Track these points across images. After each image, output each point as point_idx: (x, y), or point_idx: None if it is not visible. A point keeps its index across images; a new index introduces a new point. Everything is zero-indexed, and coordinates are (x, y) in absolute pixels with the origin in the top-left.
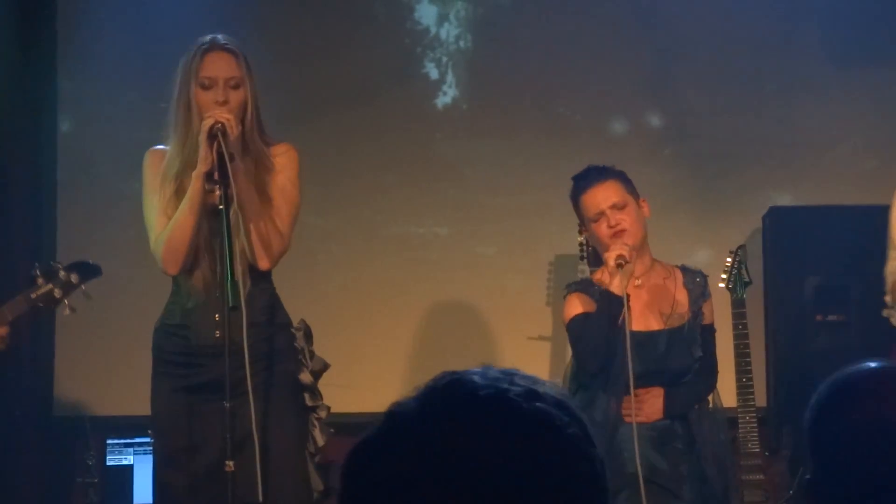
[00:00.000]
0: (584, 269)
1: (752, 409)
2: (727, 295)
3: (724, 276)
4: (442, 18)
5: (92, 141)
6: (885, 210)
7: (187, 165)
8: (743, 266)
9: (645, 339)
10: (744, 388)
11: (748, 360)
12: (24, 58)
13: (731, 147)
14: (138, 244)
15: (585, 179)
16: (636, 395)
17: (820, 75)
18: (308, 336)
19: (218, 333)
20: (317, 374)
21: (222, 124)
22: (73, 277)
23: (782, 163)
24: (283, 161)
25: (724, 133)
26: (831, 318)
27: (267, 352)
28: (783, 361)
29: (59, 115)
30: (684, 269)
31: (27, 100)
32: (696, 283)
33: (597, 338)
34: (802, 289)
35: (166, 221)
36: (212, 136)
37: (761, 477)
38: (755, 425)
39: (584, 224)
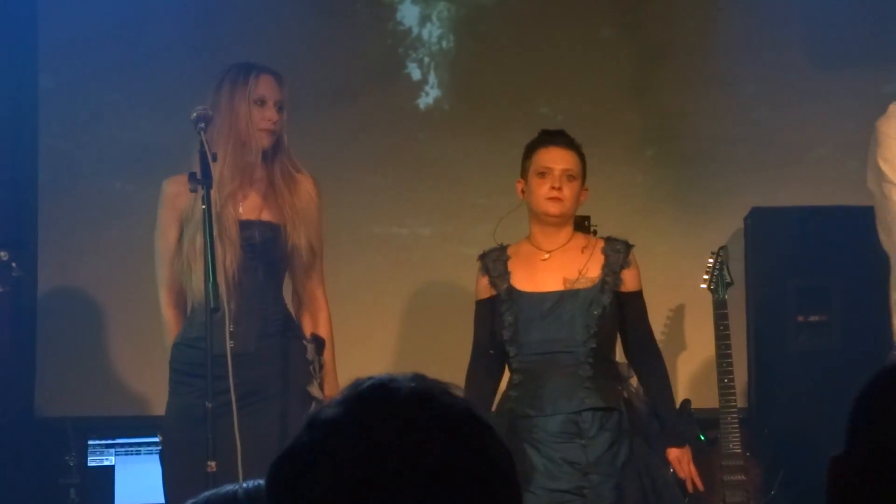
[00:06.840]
0: None
1: (734, 409)
2: (709, 296)
3: (705, 276)
4: (424, 19)
5: (73, 140)
6: (866, 210)
7: (242, 183)
8: (725, 267)
9: (533, 299)
10: (725, 389)
11: (730, 360)
12: (4, 56)
13: (712, 148)
14: (119, 244)
15: (553, 137)
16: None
17: (800, 77)
18: (319, 349)
19: (232, 343)
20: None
21: (204, 117)
22: (3, 255)
23: (763, 164)
24: (312, 196)
25: (706, 134)
26: (813, 318)
27: (280, 362)
28: (765, 362)
29: (39, 113)
30: (607, 240)
31: (7, 98)
32: (616, 251)
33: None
34: (784, 289)
35: (171, 274)
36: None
37: (742, 477)
38: (736, 426)
39: (524, 175)
